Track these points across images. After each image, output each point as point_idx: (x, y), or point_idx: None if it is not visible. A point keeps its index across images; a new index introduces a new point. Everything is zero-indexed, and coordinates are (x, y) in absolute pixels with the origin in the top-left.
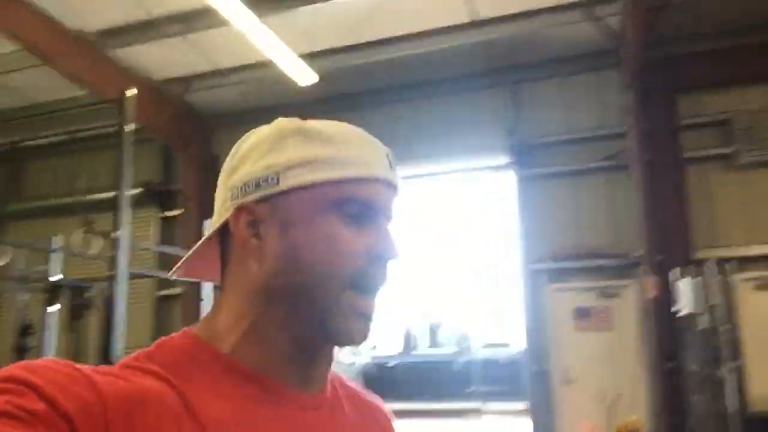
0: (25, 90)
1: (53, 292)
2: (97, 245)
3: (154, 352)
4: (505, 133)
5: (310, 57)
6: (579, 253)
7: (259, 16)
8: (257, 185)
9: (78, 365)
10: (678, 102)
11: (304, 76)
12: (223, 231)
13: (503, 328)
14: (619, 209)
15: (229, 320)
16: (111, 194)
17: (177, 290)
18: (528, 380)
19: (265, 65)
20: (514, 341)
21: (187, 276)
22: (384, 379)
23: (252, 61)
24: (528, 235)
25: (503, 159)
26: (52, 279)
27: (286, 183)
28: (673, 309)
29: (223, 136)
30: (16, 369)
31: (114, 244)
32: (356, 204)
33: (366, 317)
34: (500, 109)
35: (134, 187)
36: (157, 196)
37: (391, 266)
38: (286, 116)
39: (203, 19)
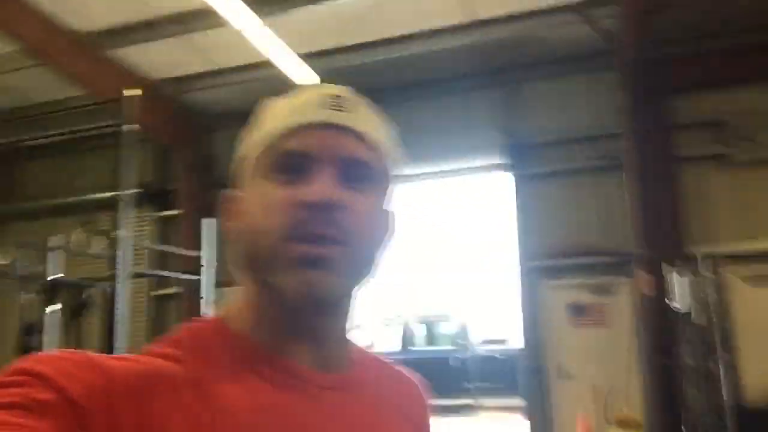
0: (23, 90)
1: (52, 292)
2: (97, 245)
3: (180, 336)
4: (501, 134)
5: (308, 57)
6: (574, 251)
7: (259, 16)
8: (232, 176)
9: (92, 353)
10: (672, 102)
11: (304, 76)
12: None
13: (501, 324)
14: (614, 208)
15: (241, 300)
16: (109, 194)
17: (172, 290)
18: (524, 376)
19: (264, 65)
20: (512, 338)
21: None
22: None
23: (251, 61)
24: (524, 233)
25: (499, 159)
26: (50, 278)
27: (233, 168)
28: (667, 304)
29: (220, 136)
30: (25, 361)
31: (115, 243)
32: (287, 157)
33: (307, 264)
34: (496, 110)
35: (132, 187)
36: (153, 196)
37: (332, 211)
38: None
39: (202, 19)
